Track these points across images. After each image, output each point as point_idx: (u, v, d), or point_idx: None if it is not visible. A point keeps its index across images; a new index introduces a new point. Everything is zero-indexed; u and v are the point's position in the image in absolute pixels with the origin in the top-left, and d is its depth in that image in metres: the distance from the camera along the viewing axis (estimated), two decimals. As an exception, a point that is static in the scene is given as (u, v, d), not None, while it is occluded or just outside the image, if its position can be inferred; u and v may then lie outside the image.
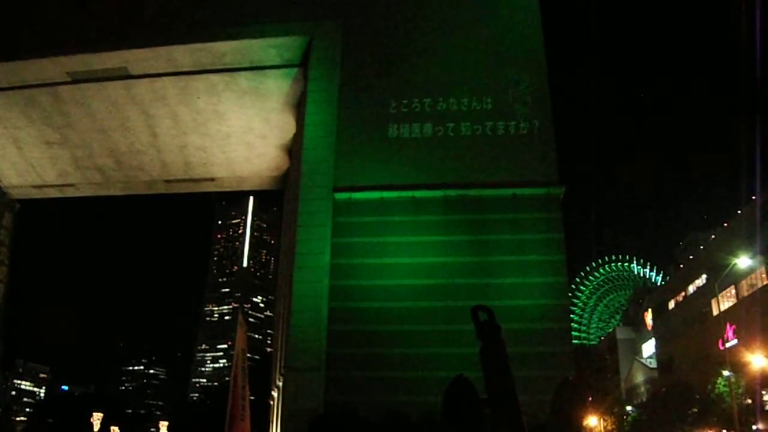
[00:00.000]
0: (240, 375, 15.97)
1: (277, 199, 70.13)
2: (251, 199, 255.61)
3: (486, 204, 38.39)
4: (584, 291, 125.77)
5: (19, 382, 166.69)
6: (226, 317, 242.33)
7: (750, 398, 41.24)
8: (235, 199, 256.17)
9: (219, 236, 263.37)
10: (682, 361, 62.47)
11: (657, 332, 75.83)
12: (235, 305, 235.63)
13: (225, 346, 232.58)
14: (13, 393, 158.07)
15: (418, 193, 38.81)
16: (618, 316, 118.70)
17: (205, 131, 51.47)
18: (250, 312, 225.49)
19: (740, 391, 40.38)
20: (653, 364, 76.06)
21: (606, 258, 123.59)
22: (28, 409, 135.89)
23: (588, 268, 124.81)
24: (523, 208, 38.14)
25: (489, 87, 41.42)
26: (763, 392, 42.58)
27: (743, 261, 40.39)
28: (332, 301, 36.50)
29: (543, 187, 38.54)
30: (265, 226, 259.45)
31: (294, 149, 49.98)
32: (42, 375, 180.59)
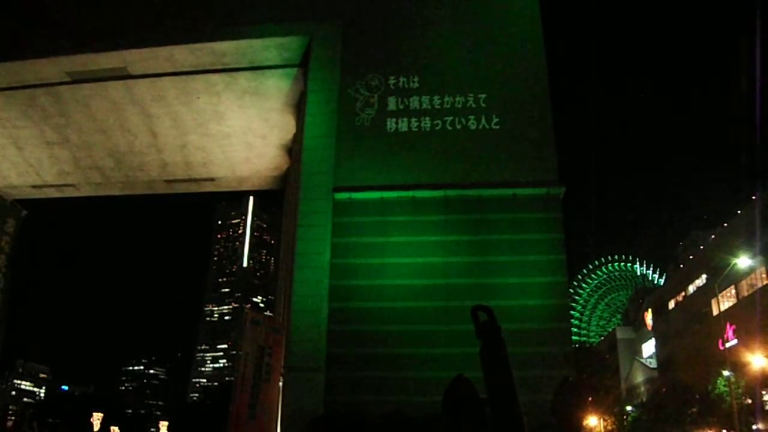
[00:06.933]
0: (250, 374, 15.71)
1: (277, 199, 70.11)
2: (251, 199, 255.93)
3: (486, 204, 38.32)
4: (584, 291, 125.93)
5: (19, 382, 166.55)
6: (226, 317, 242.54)
7: (750, 398, 41.31)
8: (235, 199, 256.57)
9: (219, 236, 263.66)
10: (682, 361, 62.48)
11: (657, 332, 75.89)
12: (235, 305, 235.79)
13: (225, 346, 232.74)
14: (13, 393, 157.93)
15: (418, 193, 38.73)
16: (618, 316, 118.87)
17: (205, 131, 51.47)
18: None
19: (740, 391, 40.42)
20: (653, 364, 76.15)
21: (606, 258, 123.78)
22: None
23: (589, 267, 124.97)
24: (523, 208, 38.05)
25: (489, 86, 41.37)
26: (763, 392, 42.62)
27: (743, 261, 40.47)
28: (332, 301, 36.39)
29: (543, 187, 38.43)
30: (265, 226, 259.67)
31: (294, 149, 49.98)
32: (42, 375, 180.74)
